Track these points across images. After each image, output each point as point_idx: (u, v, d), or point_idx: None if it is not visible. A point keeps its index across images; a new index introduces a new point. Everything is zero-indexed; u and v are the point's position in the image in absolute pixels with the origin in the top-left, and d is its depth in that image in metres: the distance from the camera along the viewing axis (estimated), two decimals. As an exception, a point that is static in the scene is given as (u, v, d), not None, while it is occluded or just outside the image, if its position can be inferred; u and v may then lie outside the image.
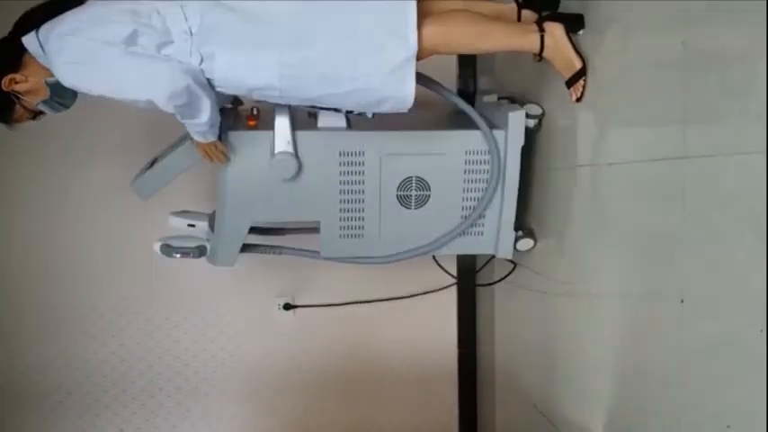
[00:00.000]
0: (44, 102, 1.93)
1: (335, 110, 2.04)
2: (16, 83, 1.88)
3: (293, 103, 1.97)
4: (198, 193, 2.78)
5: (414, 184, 2.24)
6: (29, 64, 1.88)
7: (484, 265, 3.07)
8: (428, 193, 2.25)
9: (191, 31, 1.81)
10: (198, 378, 3.07)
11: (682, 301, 1.57)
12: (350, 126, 2.19)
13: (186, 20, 1.81)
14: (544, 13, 2.11)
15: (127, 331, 3.01)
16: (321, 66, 1.84)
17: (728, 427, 1.42)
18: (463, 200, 2.27)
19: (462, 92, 3.14)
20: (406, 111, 1.94)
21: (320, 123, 2.16)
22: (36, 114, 1.99)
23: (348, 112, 2.07)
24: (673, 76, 1.60)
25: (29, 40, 1.84)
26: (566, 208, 2.22)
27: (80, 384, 2.99)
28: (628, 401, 1.88)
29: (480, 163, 2.23)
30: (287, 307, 3.07)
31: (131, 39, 1.78)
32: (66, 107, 2.00)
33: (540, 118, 2.28)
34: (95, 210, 2.91)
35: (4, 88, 1.88)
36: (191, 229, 2.41)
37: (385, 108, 1.93)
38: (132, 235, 2.88)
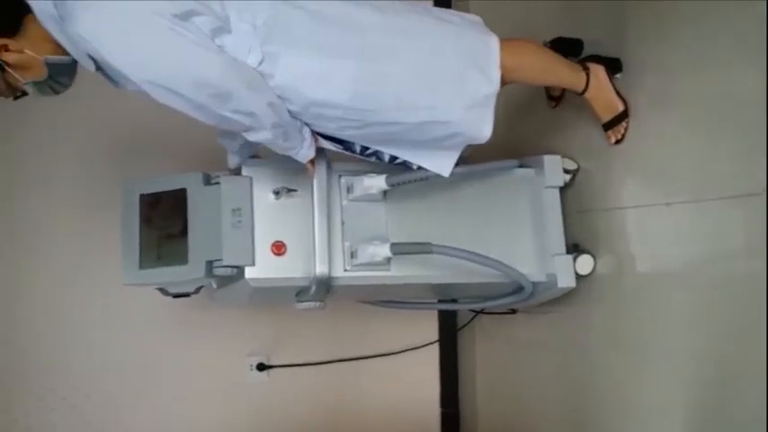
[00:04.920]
0: (35, 83, 1.59)
1: (377, 156, 1.87)
2: (7, 51, 1.51)
3: (347, 131, 1.76)
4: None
5: None
6: (30, 32, 1.52)
7: (467, 324, 3.00)
8: None
9: (254, 24, 1.55)
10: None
11: None
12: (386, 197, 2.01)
13: (251, 11, 1.56)
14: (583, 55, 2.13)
15: (83, 391, 2.60)
16: (399, 86, 1.69)
17: None
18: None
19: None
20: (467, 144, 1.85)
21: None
22: (17, 93, 1.64)
23: (392, 159, 1.88)
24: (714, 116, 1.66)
25: (41, 4, 1.46)
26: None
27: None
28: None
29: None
30: (260, 367, 2.80)
31: (186, 15, 1.46)
32: (57, 93, 1.66)
33: (575, 173, 2.25)
34: (53, 259, 2.61)
35: None
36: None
37: (453, 142, 1.82)
38: (82, 287, 2.62)
